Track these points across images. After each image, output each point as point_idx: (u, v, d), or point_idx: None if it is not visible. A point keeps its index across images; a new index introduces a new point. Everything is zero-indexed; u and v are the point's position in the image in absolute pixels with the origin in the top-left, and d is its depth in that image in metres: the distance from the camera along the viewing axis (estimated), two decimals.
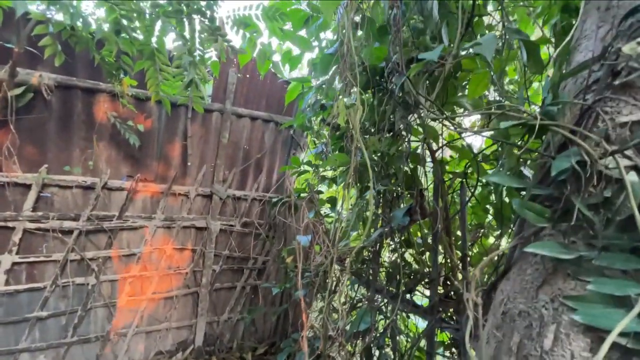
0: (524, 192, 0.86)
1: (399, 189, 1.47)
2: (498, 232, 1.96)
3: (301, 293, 2.01)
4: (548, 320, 0.74)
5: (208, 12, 1.66)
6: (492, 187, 1.77)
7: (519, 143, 1.08)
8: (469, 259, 1.66)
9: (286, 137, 3.57)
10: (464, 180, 1.69)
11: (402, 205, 1.52)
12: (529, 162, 0.99)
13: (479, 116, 1.97)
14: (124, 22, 1.87)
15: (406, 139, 1.80)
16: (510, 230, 1.77)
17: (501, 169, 1.10)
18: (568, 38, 0.79)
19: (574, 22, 0.98)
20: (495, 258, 1.40)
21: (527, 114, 0.80)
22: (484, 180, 1.77)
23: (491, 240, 2.04)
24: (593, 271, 0.69)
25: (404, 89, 1.51)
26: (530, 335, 0.78)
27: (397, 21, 1.17)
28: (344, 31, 1.67)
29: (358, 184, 1.79)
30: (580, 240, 0.72)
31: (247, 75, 3.17)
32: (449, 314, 1.75)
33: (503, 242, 2.06)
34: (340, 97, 1.33)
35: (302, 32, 2.27)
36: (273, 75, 3.38)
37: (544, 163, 0.83)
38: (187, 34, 1.85)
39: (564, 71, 0.92)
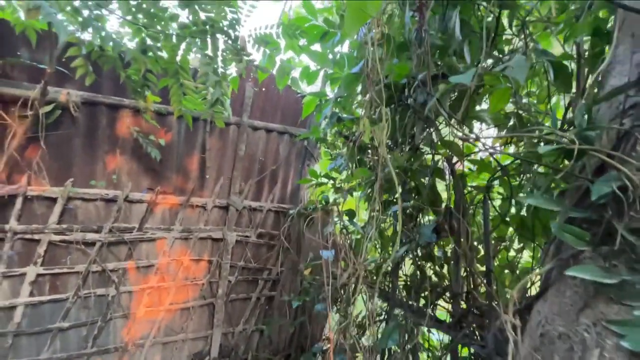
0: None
1: (422, 204, 1.48)
2: (520, 246, 1.94)
3: (321, 307, 2.01)
4: (591, 344, 0.75)
5: (232, 32, 1.72)
6: (514, 201, 1.77)
7: (546, 164, 1.09)
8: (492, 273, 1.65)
9: (300, 149, 3.61)
10: (487, 194, 1.69)
11: (424, 221, 1.53)
12: (561, 184, 1.00)
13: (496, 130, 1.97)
14: (150, 42, 1.94)
15: (429, 154, 1.82)
16: (533, 245, 1.76)
17: (534, 189, 1.11)
18: (605, 65, 0.80)
19: (606, 47, 0.99)
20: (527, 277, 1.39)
21: (563, 137, 0.81)
22: (505, 194, 1.77)
23: (512, 253, 2.03)
24: (637, 296, 0.70)
25: (426, 106, 1.53)
26: (572, 358, 0.78)
27: (425, 40, 1.20)
28: (366, 48, 1.70)
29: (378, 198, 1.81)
30: (622, 264, 0.73)
31: (263, 89, 3.24)
32: (472, 329, 1.73)
33: (525, 254, 2.04)
34: (365, 115, 1.36)
35: (316, 47, 2.33)
36: (288, 88, 3.43)
37: (579, 186, 0.84)
38: (209, 52, 1.91)
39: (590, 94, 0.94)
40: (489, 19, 1.46)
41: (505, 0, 1.16)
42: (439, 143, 1.50)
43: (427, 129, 1.45)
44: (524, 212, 1.72)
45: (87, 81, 1.90)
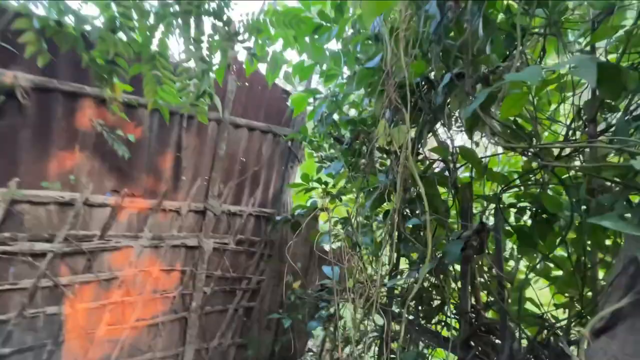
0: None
1: (440, 217, 1.34)
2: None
3: (316, 325, 1.82)
4: None
5: (225, 15, 1.48)
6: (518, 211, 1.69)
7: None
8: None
9: (284, 149, 3.39)
10: (498, 205, 1.59)
11: (437, 234, 1.40)
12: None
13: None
14: (121, 20, 1.65)
15: (434, 160, 1.69)
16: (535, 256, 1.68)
17: (596, 206, 0.99)
18: None
19: None
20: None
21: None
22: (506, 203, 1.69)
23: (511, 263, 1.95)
24: None
25: (442, 108, 1.39)
26: None
27: (467, 32, 1.05)
28: (371, 43, 1.54)
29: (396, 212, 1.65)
30: None
31: (246, 84, 2.98)
32: (481, 349, 1.63)
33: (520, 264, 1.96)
34: (378, 114, 1.19)
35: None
36: (273, 85, 3.20)
37: None
38: (193, 36, 1.65)
39: None
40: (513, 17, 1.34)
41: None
42: (458, 151, 1.37)
43: (444, 134, 1.32)
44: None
45: (39, 62, 1.57)
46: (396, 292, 1.53)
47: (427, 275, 1.54)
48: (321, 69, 2.22)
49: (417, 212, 1.49)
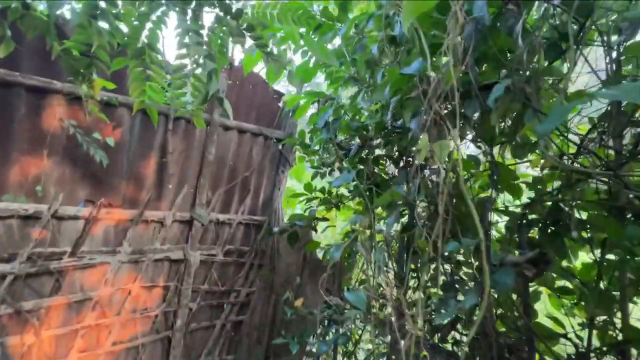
0: None
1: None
2: None
3: (326, 348, 1.67)
4: None
5: (234, 5, 1.28)
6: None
7: None
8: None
9: (275, 153, 3.20)
10: (522, 221, 1.53)
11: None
12: None
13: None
14: (104, 5, 1.41)
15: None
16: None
17: None
18: None
19: None
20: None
21: None
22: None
23: None
24: None
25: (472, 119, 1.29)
26: None
27: (530, 42, 0.94)
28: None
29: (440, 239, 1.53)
30: None
31: (237, 82, 2.76)
32: None
33: None
34: (424, 133, 1.06)
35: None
36: (264, 85, 3.00)
37: None
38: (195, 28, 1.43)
39: None
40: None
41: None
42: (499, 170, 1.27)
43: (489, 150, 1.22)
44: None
45: (1, 51, 1.29)
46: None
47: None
48: (325, 70, 2.06)
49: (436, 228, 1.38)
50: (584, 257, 1.76)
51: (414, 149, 1.71)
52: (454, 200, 1.26)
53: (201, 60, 1.41)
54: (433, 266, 1.72)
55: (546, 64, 1.30)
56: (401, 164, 2.10)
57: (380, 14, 1.74)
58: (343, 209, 2.68)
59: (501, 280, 1.00)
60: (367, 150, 2.20)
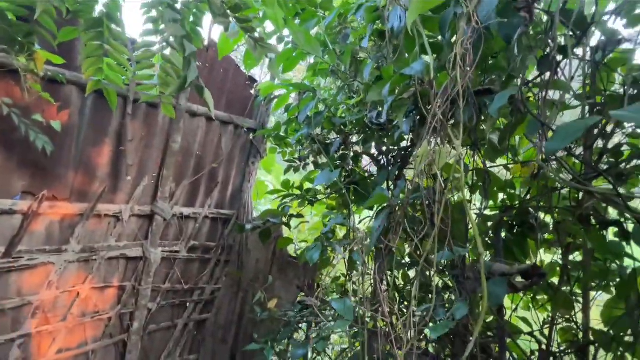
0: None
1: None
2: None
3: (302, 352, 1.61)
4: None
5: None
6: None
7: None
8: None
9: (245, 143, 3.01)
10: (500, 228, 1.56)
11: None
12: None
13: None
14: None
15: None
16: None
17: None
18: None
19: None
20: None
21: None
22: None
23: None
24: None
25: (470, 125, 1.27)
26: None
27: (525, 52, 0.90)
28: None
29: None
30: None
31: (207, 65, 2.52)
32: None
33: None
34: (425, 139, 1.00)
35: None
36: (237, 69, 2.79)
37: None
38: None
39: None
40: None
41: None
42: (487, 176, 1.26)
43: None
44: None
45: None
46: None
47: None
48: (309, 61, 1.93)
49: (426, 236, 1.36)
50: (547, 258, 1.87)
51: (396, 148, 1.67)
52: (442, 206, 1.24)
53: (171, 40, 1.22)
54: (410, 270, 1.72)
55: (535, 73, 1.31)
56: (382, 161, 2.07)
57: (371, 6, 1.65)
58: (317, 204, 2.61)
59: (493, 290, 1.00)
60: (346, 147, 2.13)
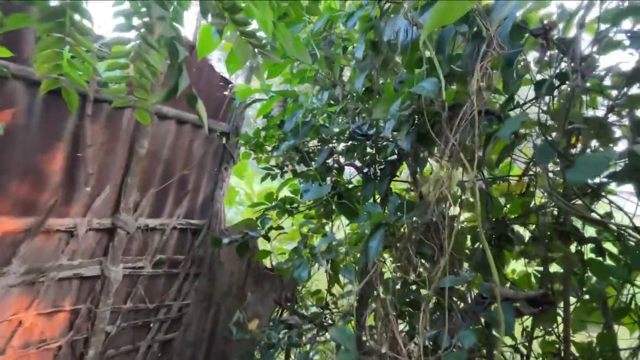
0: None
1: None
2: None
3: None
4: None
5: None
6: None
7: None
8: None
9: (217, 148, 2.82)
10: (485, 244, 1.58)
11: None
12: None
13: None
14: None
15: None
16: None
17: None
18: None
19: None
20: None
21: None
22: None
23: None
24: None
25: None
26: None
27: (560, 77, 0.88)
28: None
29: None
30: None
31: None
32: None
33: None
34: (449, 169, 0.95)
35: None
36: (211, 70, 2.60)
37: None
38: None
39: None
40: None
41: None
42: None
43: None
44: None
45: None
46: None
47: None
48: (296, 67, 1.83)
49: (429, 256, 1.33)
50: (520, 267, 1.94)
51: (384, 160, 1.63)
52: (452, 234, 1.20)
53: (153, 40, 1.06)
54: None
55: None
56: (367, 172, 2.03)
57: (365, 14, 1.59)
58: (297, 214, 2.51)
59: (506, 319, 0.97)
60: (331, 157, 2.05)
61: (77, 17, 1.11)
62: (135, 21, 1.07)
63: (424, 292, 1.20)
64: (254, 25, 1.49)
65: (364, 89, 1.75)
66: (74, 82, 1.26)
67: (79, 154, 1.85)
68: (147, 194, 2.31)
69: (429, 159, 1.40)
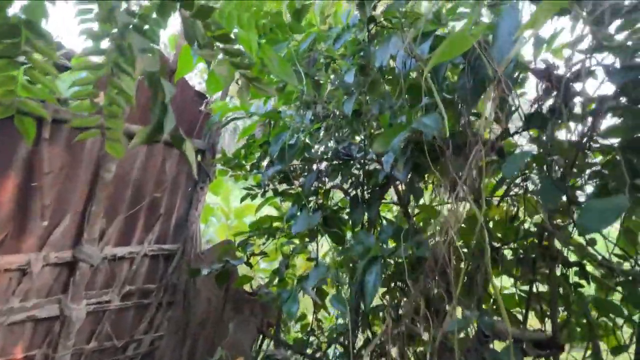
0: None
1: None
2: None
3: None
4: None
5: None
6: None
7: None
8: None
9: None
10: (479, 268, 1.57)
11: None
12: None
13: None
14: None
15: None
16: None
17: None
18: None
19: None
20: None
21: None
22: None
23: None
24: None
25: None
26: None
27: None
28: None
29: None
30: None
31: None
32: None
33: None
34: (454, 205, 0.91)
35: None
36: (185, 84, 2.44)
37: None
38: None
39: None
40: None
41: None
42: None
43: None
44: None
45: None
46: None
47: None
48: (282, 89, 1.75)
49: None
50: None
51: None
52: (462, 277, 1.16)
53: (126, 66, 0.94)
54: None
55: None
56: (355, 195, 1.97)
57: (354, 38, 1.54)
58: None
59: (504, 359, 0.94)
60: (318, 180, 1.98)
61: (33, 37, 0.96)
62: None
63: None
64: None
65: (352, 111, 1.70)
66: (31, 110, 1.09)
67: (34, 182, 1.63)
68: (115, 220, 2.10)
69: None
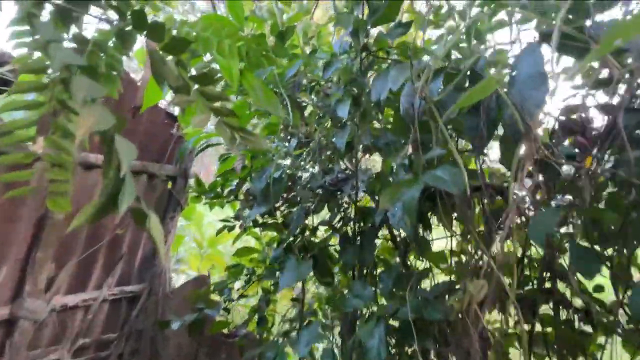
0: None
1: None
2: None
3: None
4: None
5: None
6: None
7: None
8: None
9: (162, 195, 2.38)
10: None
11: None
12: None
13: None
14: None
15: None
16: None
17: None
18: None
19: None
20: None
21: None
22: None
23: None
24: None
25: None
26: None
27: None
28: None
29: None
30: None
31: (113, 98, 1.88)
32: None
33: None
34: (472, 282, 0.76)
35: None
36: (153, 106, 2.19)
37: None
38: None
39: None
40: None
41: None
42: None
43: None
44: None
45: None
46: None
47: None
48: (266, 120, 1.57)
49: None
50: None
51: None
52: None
53: (74, 104, 0.73)
54: None
55: None
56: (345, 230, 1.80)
57: (347, 66, 1.40)
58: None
59: None
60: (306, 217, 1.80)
61: None
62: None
63: None
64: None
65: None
66: None
67: None
68: (66, 266, 1.79)
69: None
